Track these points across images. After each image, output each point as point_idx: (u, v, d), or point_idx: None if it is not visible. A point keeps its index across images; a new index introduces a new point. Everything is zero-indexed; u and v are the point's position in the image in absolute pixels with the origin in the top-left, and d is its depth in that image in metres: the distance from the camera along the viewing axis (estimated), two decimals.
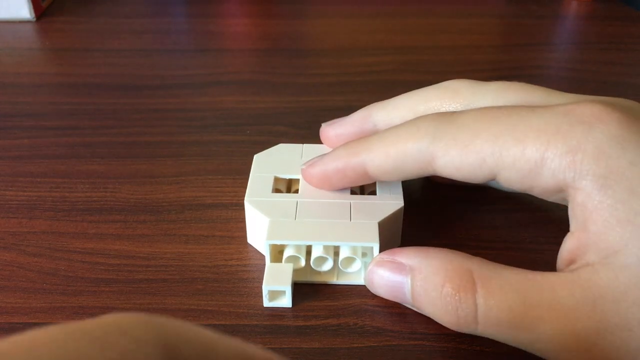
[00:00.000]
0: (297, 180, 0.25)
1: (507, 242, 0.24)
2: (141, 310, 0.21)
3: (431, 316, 0.20)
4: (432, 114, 0.21)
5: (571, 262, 0.18)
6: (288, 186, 0.25)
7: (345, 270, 0.22)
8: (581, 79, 0.37)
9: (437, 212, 0.26)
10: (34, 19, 0.45)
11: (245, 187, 0.24)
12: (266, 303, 0.21)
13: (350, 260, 0.22)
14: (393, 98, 0.25)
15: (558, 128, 0.18)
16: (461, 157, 0.19)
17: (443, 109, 0.23)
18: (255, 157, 0.26)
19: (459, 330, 0.19)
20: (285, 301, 0.21)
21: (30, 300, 0.22)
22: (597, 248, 0.17)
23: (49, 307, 0.21)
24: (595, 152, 0.17)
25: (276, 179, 0.24)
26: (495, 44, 0.43)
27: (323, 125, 0.26)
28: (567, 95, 0.21)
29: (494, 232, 0.25)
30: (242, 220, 0.25)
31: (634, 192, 0.17)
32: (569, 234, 0.19)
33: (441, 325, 0.20)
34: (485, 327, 0.18)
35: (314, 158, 0.24)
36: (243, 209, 0.23)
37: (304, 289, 0.22)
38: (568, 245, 0.19)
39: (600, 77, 0.38)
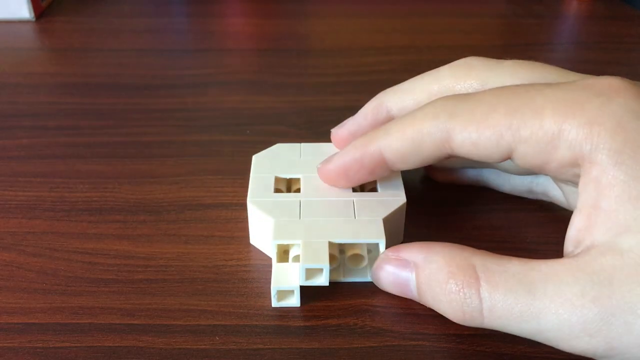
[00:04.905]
0: (297, 180, 0.25)
1: (507, 243, 0.24)
2: (141, 311, 0.21)
3: (438, 311, 0.19)
4: (449, 95, 0.21)
5: (579, 242, 0.18)
6: (288, 186, 0.25)
7: (352, 267, 0.22)
8: None
9: (436, 213, 0.26)
10: (34, 19, 0.45)
11: (245, 187, 0.24)
12: (274, 303, 0.21)
13: (357, 257, 0.22)
14: (404, 82, 0.24)
15: (576, 100, 0.18)
16: (479, 132, 0.19)
17: (458, 87, 0.22)
18: (254, 157, 0.25)
19: (465, 324, 0.19)
20: (294, 301, 0.21)
21: (29, 300, 0.22)
22: (606, 226, 0.17)
23: (48, 307, 0.21)
24: (613, 125, 0.17)
25: (276, 179, 0.24)
26: (495, 44, 0.43)
27: (333, 129, 0.26)
28: (582, 75, 0.21)
29: (493, 233, 0.25)
30: (242, 220, 0.25)
31: None
32: (576, 211, 0.18)
33: (441, 325, 0.20)
34: (492, 321, 0.18)
35: (330, 156, 0.23)
36: (243, 209, 0.23)
37: (303, 290, 0.22)
38: (576, 224, 0.18)
39: None
